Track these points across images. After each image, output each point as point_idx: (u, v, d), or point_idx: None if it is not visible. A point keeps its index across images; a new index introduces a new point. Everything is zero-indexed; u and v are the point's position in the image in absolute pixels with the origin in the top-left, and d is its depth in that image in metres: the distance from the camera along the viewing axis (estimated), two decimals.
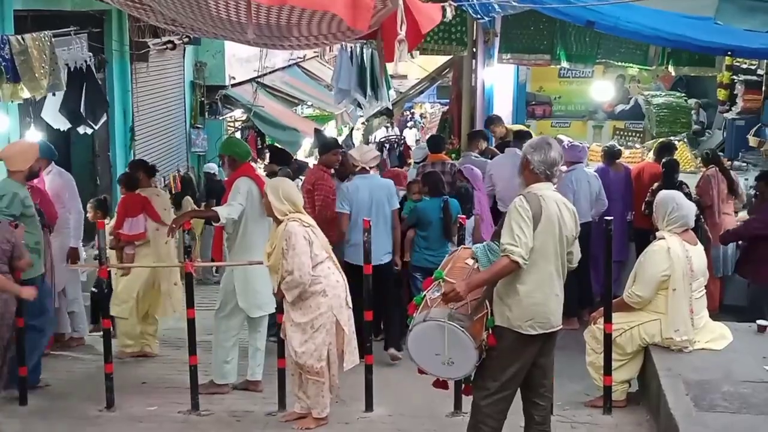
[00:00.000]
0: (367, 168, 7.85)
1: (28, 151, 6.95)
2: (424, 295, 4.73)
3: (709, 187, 8.92)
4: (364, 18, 4.34)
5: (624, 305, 6.11)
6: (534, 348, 4.68)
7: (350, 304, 5.96)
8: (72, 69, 8.84)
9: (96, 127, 9.42)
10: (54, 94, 8.50)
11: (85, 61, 9.07)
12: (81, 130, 9.21)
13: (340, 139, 14.82)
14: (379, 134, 19.87)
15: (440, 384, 5.05)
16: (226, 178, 7.06)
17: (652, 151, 10.96)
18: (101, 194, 11.45)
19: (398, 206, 7.90)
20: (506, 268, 4.52)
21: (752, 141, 11.53)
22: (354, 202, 7.54)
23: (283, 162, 10.52)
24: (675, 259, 5.95)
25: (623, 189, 9.46)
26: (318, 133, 13.86)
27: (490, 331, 4.63)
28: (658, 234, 6.16)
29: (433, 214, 7.98)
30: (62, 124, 9.01)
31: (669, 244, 5.98)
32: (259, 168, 11.42)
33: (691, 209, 6.19)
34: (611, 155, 9.69)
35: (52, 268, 7.53)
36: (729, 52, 8.96)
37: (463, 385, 4.96)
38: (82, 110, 8.94)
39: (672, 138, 12.50)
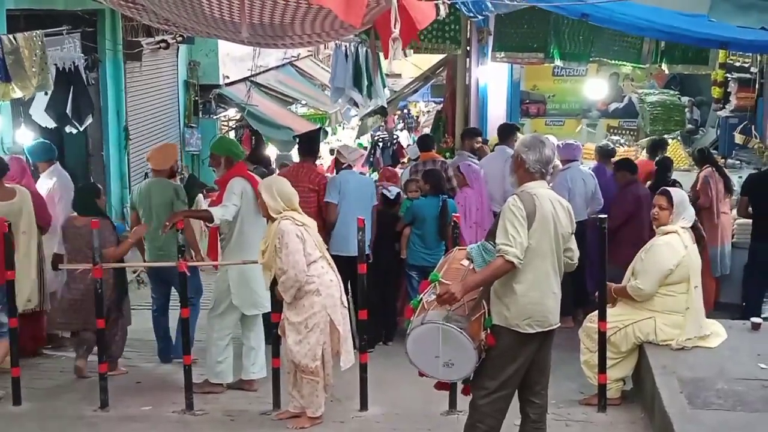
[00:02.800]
0: (352, 165, 8.55)
1: (169, 152, 7.83)
2: (421, 299, 4.72)
3: (708, 188, 8.86)
4: (356, 13, 4.32)
5: (625, 292, 6.12)
6: (532, 346, 4.68)
7: (345, 303, 5.95)
8: (60, 69, 8.81)
9: (81, 128, 9.38)
10: (46, 93, 8.48)
11: (73, 62, 9.02)
12: (68, 129, 9.18)
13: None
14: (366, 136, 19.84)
15: (442, 385, 5.05)
16: (217, 178, 7.03)
17: (645, 149, 10.97)
18: None
19: (376, 203, 8.34)
20: (501, 269, 4.52)
21: (738, 138, 11.55)
22: (344, 194, 7.98)
23: (258, 161, 10.54)
24: (693, 254, 6.07)
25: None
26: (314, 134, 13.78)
27: (489, 331, 4.62)
28: (667, 228, 6.14)
29: (429, 212, 8.01)
30: (49, 122, 8.99)
31: (684, 241, 6.05)
32: None
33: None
34: (605, 154, 9.68)
35: (42, 270, 7.53)
36: (724, 45, 8.95)
37: (462, 386, 4.95)
38: (68, 111, 8.90)
39: (666, 136, 12.50)
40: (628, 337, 6.11)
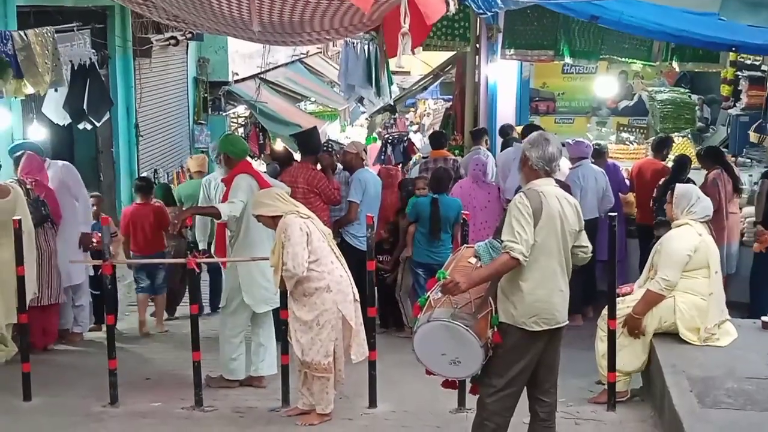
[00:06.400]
0: (369, 165, 8.76)
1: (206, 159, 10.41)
2: (428, 296, 4.72)
3: (716, 191, 8.69)
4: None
5: (654, 298, 6.06)
6: (540, 344, 4.67)
7: (357, 297, 5.96)
8: (76, 66, 8.84)
9: (98, 124, 9.42)
10: (56, 90, 8.50)
11: (90, 58, 9.06)
12: (81, 126, 9.21)
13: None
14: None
15: (449, 384, 5.05)
16: (224, 177, 7.05)
17: (650, 147, 10.89)
18: (105, 190, 11.53)
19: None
20: (506, 265, 4.51)
21: (752, 137, 11.49)
22: (366, 193, 8.22)
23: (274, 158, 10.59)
24: (709, 242, 6.07)
25: (612, 186, 9.33)
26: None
27: (495, 329, 4.62)
28: (678, 222, 6.18)
29: (428, 210, 8.06)
30: (62, 119, 9.01)
31: (698, 230, 6.08)
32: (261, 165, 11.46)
33: (710, 202, 6.34)
34: (595, 153, 9.56)
35: (50, 263, 7.57)
36: (733, 48, 8.91)
37: (470, 384, 4.94)
38: (84, 107, 8.94)
39: (676, 134, 12.45)
40: (645, 319, 6.08)
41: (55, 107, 8.92)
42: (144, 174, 12.37)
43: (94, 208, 8.47)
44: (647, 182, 9.51)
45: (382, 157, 16.38)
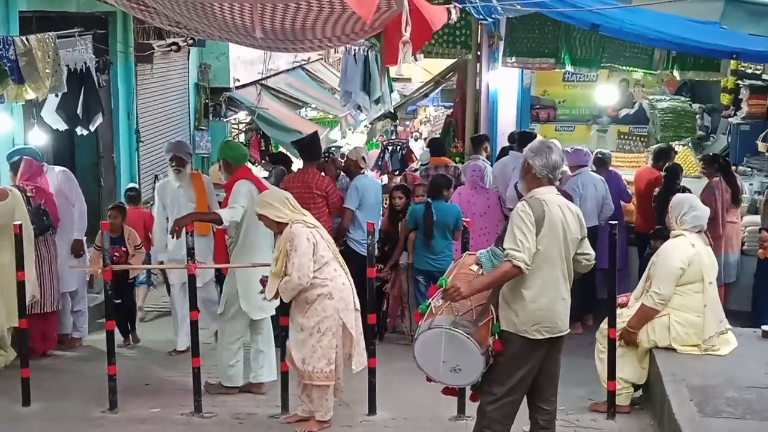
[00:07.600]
0: (368, 171, 8.75)
1: None
2: (429, 303, 4.72)
3: (713, 199, 8.69)
4: (368, 7, 4.34)
5: (648, 313, 6.05)
6: (541, 352, 4.67)
7: (358, 307, 5.94)
8: (72, 70, 8.83)
9: (91, 129, 9.40)
10: (57, 95, 8.50)
11: (85, 63, 9.05)
12: (78, 131, 9.21)
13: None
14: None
15: (449, 390, 5.05)
16: (224, 182, 7.06)
17: (650, 156, 10.90)
18: (105, 195, 11.54)
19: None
20: (508, 273, 4.52)
21: (761, 146, 11.47)
22: (364, 200, 8.19)
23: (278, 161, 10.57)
24: (704, 253, 6.07)
25: (613, 195, 9.33)
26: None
27: (497, 337, 4.61)
28: (675, 232, 6.19)
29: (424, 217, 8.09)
30: (61, 124, 9.01)
31: (692, 241, 6.06)
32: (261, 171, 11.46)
33: (705, 211, 6.28)
34: (598, 162, 9.56)
35: (51, 269, 7.57)
36: (734, 55, 8.92)
37: (471, 392, 4.94)
38: (78, 112, 8.93)
39: (676, 142, 12.46)
40: (641, 337, 6.08)
41: (52, 112, 8.91)
42: (145, 179, 12.40)
43: (115, 220, 8.23)
44: (642, 190, 9.52)
45: (379, 163, 16.43)
